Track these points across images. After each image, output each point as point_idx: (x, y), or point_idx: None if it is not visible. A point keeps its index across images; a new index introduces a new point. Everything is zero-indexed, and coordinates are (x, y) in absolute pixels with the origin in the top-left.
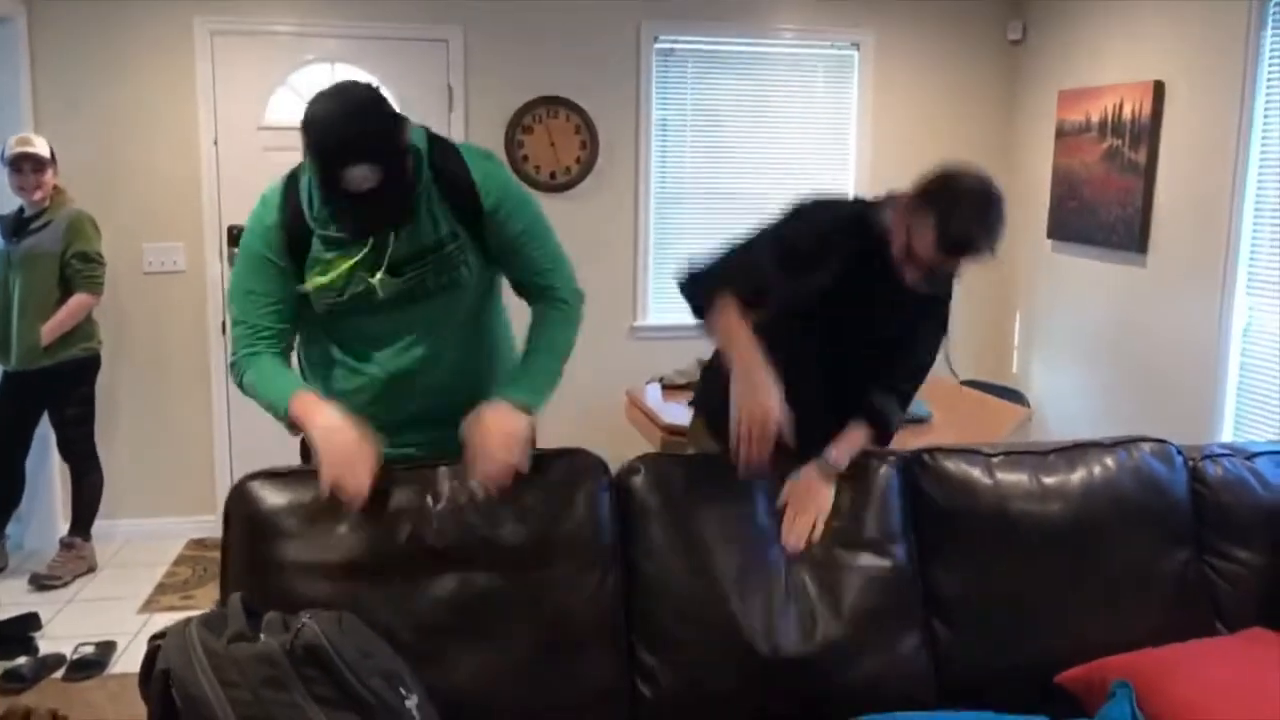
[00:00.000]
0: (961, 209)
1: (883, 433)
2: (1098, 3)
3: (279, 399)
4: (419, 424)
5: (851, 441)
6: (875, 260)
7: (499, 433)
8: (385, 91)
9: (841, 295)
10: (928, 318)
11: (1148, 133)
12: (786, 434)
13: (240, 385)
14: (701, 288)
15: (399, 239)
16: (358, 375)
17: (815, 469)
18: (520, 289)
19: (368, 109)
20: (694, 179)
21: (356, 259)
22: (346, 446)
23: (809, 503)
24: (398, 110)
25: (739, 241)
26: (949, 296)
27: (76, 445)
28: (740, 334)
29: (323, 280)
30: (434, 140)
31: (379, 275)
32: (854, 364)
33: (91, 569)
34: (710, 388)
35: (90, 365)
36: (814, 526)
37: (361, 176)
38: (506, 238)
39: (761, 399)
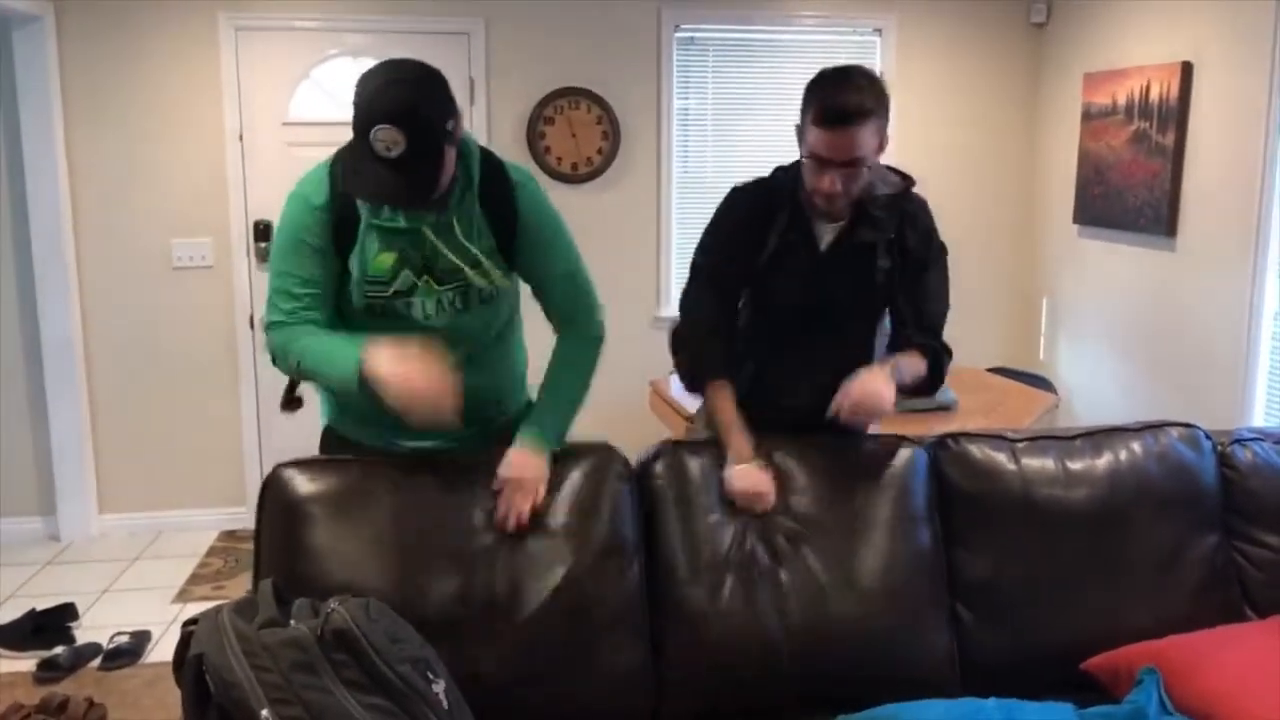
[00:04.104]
0: (825, 89)
1: (933, 366)
2: None
3: (345, 369)
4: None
5: (909, 361)
6: (801, 220)
7: (528, 478)
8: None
9: (788, 269)
10: (906, 272)
11: (1176, 115)
12: (772, 500)
13: (293, 369)
14: (689, 377)
15: (456, 239)
16: None
17: (877, 370)
18: (548, 314)
19: (413, 80)
20: (716, 168)
21: (404, 256)
22: (411, 370)
23: (870, 399)
24: (452, 95)
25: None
26: (927, 247)
27: None
28: (727, 418)
29: (371, 267)
30: (486, 157)
31: (425, 279)
32: (835, 341)
33: None
34: None
35: None
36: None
37: (389, 139)
38: (537, 261)
39: (753, 482)
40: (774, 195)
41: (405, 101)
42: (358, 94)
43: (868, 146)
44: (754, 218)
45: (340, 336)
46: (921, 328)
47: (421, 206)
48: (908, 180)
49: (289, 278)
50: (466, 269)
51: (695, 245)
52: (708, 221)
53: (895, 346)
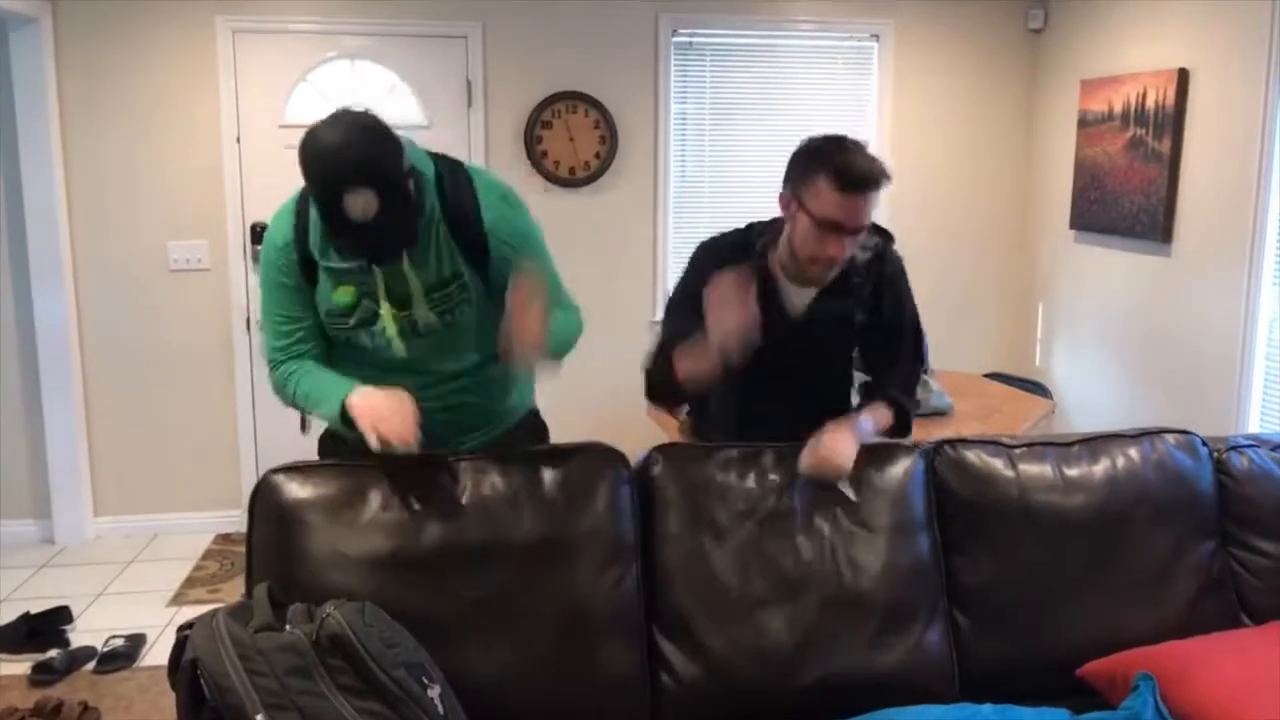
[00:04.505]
0: (840, 154)
1: (900, 414)
2: None
3: (332, 405)
4: (437, 435)
5: (876, 415)
6: (762, 288)
7: (535, 310)
8: (409, 90)
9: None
10: (883, 335)
11: (1172, 121)
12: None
13: (292, 402)
14: (657, 389)
15: (403, 271)
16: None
17: (844, 427)
18: None
19: (363, 135)
20: (713, 172)
21: (362, 288)
22: (382, 401)
23: (831, 460)
24: (398, 135)
25: (662, 325)
26: (901, 305)
27: None
28: (687, 356)
29: (332, 302)
30: (449, 167)
31: (385, 307)
32: (815, 401)
33: None
34: (697, 406)
35: None
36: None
37: (362, 203)
38: (505, 270)
39: (727, 318)
40: (740, 256)
41: (369, 163)
42: (310, 162)
43: (873, 211)
44: (717, 269)
45: (330, 376)
46: (889, 384)
47: (412, 245)
48: (888, 238)
49: (274, 316)
50: (412, 298)
51: (667, 306)
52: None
53: (864, 393)
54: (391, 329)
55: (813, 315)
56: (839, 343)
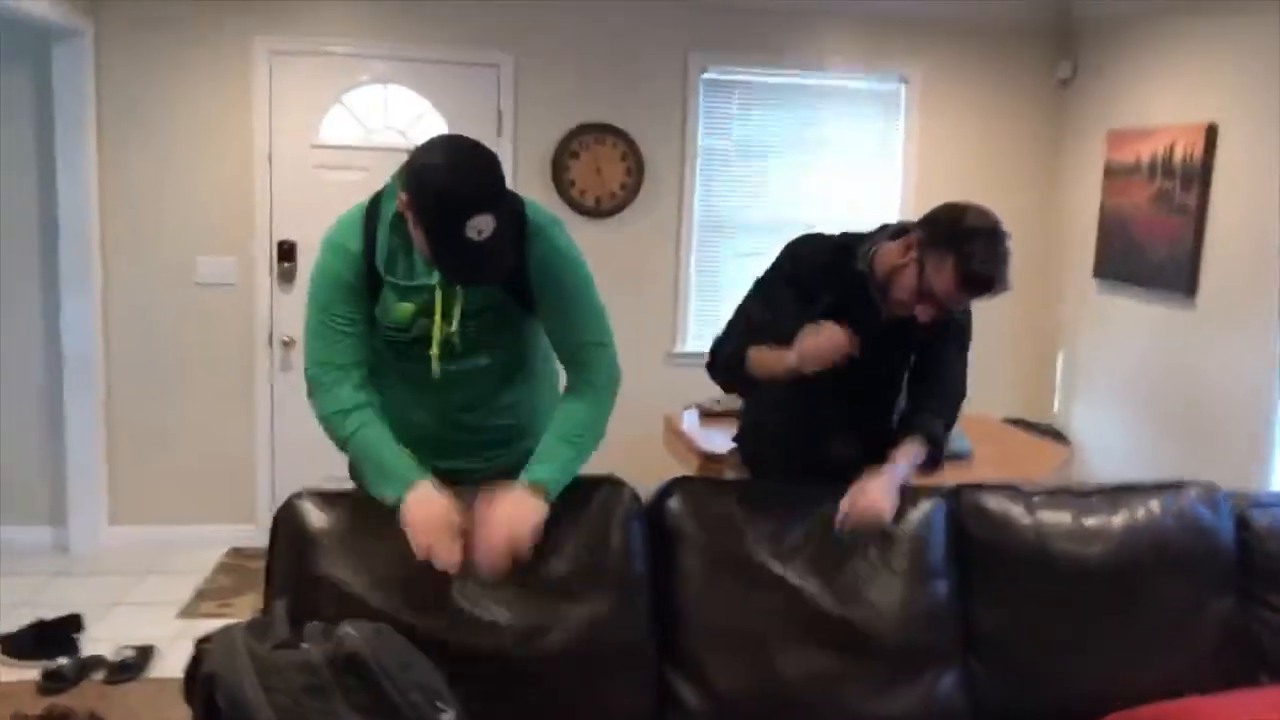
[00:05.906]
0: (979, 249)
1: (934, 450)
2: (1148, 43)
3: (393, 487)
4: (469, 449)
5: (907, 454)
6: (859, 295)
7: (507, 519)
8: (440, 116)
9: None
10: (937, 347)
11: (1199, 175)
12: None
13: (329, 432)
14: (723, 362)
15: (442, 292)
16: (415, 407)
17: (882, 479)
18: (559, 352)
19: (488, 161)
20: (737, 209)
21: (420, 306)
22: (435, 517)
23: (871, 514)
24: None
25: (741, 303)
26: (962, 326)
27: None
28: (768, 352)
29: (394, 317)
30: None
31: (441, 324)
32: (869, 402)
33: None
34: (750, 429)
35: None
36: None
37: (483, 224)
38: (556, 322)
39: (825, 337)
40: (836, 257)
41: (490, 186)
42: (437, 181)
43: None
44: (810, 274)
45: (391, 449)
46: (930, 408)
47: (511, 273)
48: None
49: (329, 314)
50: (480, 314)
51: (749, 290)
52: (767, 267)
53: (904, 421)
54: (435, 348)
55: (892, 321)
56: (904, 350)
